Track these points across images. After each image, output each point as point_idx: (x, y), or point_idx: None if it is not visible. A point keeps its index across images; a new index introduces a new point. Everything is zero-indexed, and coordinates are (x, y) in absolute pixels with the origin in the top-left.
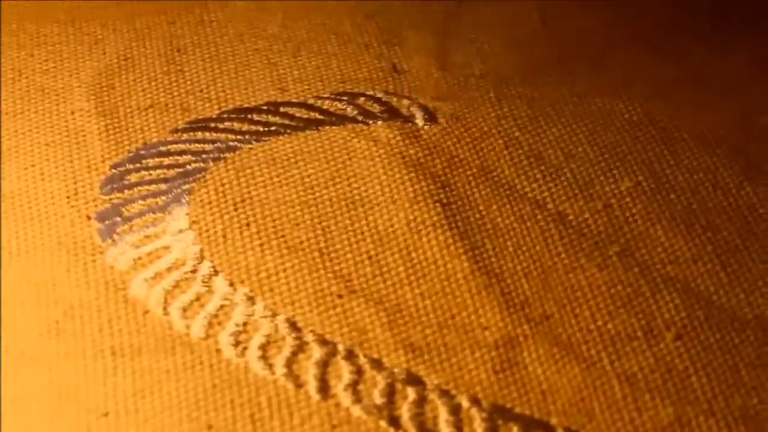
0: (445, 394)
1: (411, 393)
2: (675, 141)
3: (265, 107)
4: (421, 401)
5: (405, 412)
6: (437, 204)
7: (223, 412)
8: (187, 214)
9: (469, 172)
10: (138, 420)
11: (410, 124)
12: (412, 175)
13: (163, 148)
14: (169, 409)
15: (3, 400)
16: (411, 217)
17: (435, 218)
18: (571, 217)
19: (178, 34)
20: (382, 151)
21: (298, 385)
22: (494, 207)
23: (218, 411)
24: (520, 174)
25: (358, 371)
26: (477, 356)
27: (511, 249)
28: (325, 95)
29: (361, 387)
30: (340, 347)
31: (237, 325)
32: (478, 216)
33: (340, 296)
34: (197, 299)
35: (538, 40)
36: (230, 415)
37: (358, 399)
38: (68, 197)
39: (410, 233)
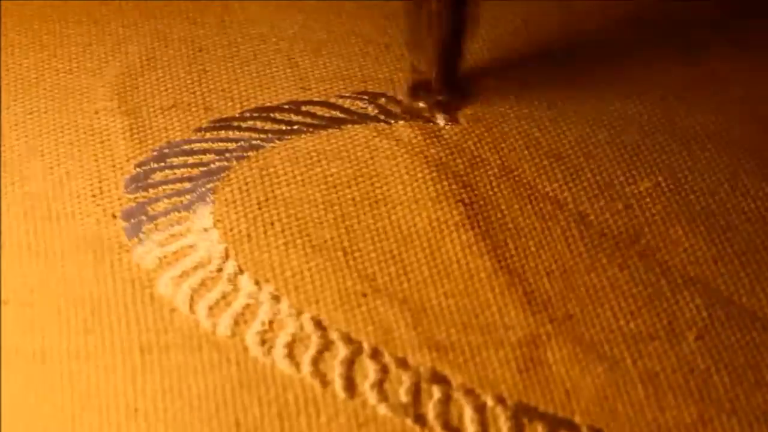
0: (470, 392)
1: (436, 392)
2: (693, 142)
3: (287, 106)
4: (446, 400)
5: (431, 410)
6: (459, 203)
7: (251, 410)
8: (212, 212)
9: (490, 172)
10: (167, 417)
11: (431, 124)
12: (434, 174)
13: (186, 147)
14: (198, 406)
15: (31, 399)
16: (434, 217)
17: (457, 218)
18: (591, 217)
19: (199, 34)
20: (404, 150)
21: (325, 384)
22: (516, 206)
23: (246, 409)
24: (541, 174)
25: (384, 370)
26: (501, 355)
27: (533, 248)
28: (346, 95)
29: (386, 386)
30: (366, 346)
31: (263, 323)
32: (499, 215)
33: (364, 295)
34: (223, 298)
35: (556, 42)
36: (258, 412)
37: (384, 398)
38: (93, 196)
39: (433, 232)
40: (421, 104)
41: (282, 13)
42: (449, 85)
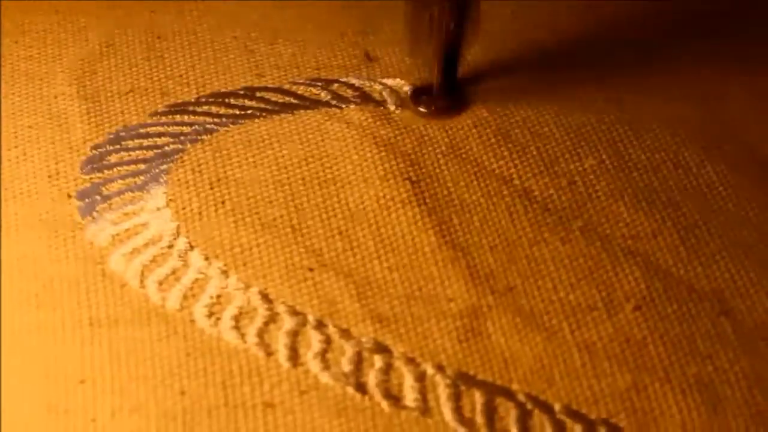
0: (410, 361)
1: (378, 361)
2: (638, 123)
3: (241, 92)
4: (387, 368)
5: (372, 378)
6: (407, 181)
7: (196, 379)
8: (165, 192)
9: (438, 150)
10: (114, 387)
11: (382, 107)
12: (383, 154)
13: (142, 131)
14: (144, 376)
15: None
16: (381, 194)
17: (404, 195)
18: (536, 193)
19: (158, 22)
20: (354, 132)
21: (269, 354)
22: (462, 183)
23: (191, 378)
24: (488, 151)
25: (327, 340)
26: (442, 326)
27: (477, 223)
28: (300, 81)
29: (329, 355)
30: (311, 318)
31: (211, 297)
32: (446, 192)
33: (311, 269)
34: (173, 273)
35: (510, 31)
36: (203, 381)
37: (326, 366)
38: (50, 177)
39: (380, 209)
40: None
41: (239, 2)
42: (449, 89)
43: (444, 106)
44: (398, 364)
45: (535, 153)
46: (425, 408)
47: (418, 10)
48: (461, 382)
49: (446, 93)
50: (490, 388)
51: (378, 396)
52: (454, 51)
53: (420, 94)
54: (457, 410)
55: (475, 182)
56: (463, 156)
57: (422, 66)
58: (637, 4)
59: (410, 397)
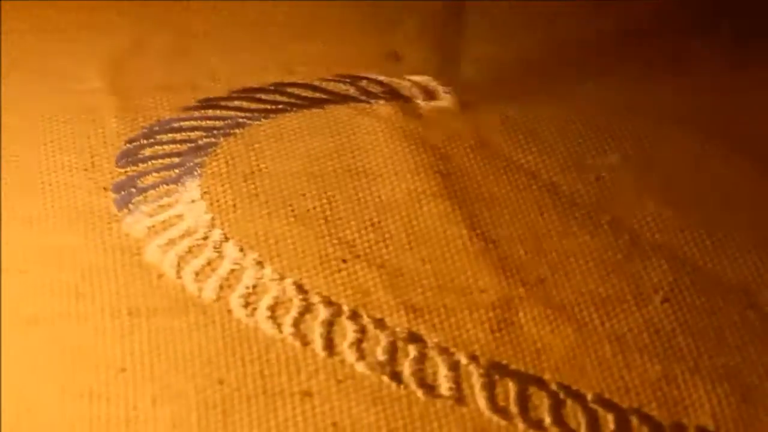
0: (444, 351)
1: (412, 350)
2: (662, 122)
3: (272, 87)
4: (421, 358)
5: (406, 368)
6: (437, 174)
7: (234, 369)
8: (199, 185)
9: (467, 144)
10: (153, 375)
11: (411, 103)
12: (413, 147)
13: (175, 125)
14: (183, 365)
15: (26, 359)
16: (412, 187)
17: (435, 188)
18: (564, 188)
19: (189, 19)
20: (384, 125)
21: (305, 343)
22: (491, 177)
23: (229, 367)
24: (516, 147)
25: (362, 330)
26: (475, 317)
27: (507, 217)
28: (329, 77)
29: (364, 345)
30: (345, 308)
31: (247, 287)
32: (475, 186)
33: (344, 261)
34: (209, 264)
35: (534, 31)
36: (241, 371)
37: (362, 356)
38: (85, 170)
39: (411, 202)
40: (402, 84)
41: (269, 2)
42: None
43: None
44: (432, 353)
45: (562, 149)
46: (460, 397)
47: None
48: (494, 371)
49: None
50: (523, 377)
51: (413, 385)
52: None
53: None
54: (491, 399)
55: (503, 176)
56: (492, 151)
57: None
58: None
59: (445, 386)
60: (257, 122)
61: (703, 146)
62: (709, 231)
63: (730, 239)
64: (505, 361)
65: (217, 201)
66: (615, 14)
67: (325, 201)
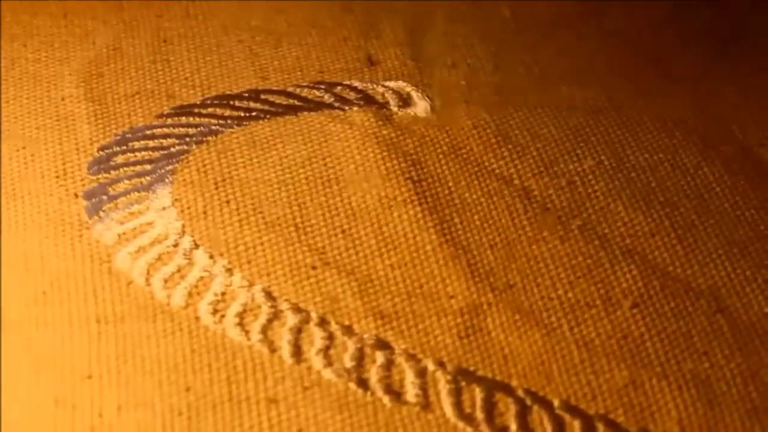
0: (411, 357)
1: (379, 357)
2: (636, 124)
3: (246, 94)
4: (389, 365)
5: (373, 374)
6: (408, 181)
7: (201, 375)
8: (170, 192)
9: (439, 150)
10: (120, 382)
11: (385, 109)
12: (385, 154)
13: (148, 132)
14: (150, 372)
15: None
16: (383, 194)
17: (406, 194)
18: (536, 193)
19: (165, 26)
20: (356, 132)
21: (273, 350)
22: (463, 183)
23: (196, 374)
24: (488, 152)
25: (330, 337)
26: (443, 323)
27: (477, 222)
28: (304, 84)
29: (332, 352)
30: (313, 315)
31: (216, 294)
32: (447, 192)
33: (314, 267)
34: (178, 271)
35: (508, 32)
36: (207, 377)
37: (329, 363)
38: (57, 176)
39: (382, 208)
40: (377, 90)
41: (244, 6)
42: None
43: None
44: (399, 360)
45: (534, 154)
46: (426, 403)
47: None
48: (461, 377)
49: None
50: (489, 383)
51: (379, 391)
52: None
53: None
54: (458, 405)
55: (475, 182)
56: (464, 156)
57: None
58: (634, 6)
59: (411, 392)
60: (230, 130)
61: (677, 151)
62: (680, 236)
63: (701, 245)
64: (472, 368)
65: (188, 208)
66: (595, 16)
67: (296, 208)
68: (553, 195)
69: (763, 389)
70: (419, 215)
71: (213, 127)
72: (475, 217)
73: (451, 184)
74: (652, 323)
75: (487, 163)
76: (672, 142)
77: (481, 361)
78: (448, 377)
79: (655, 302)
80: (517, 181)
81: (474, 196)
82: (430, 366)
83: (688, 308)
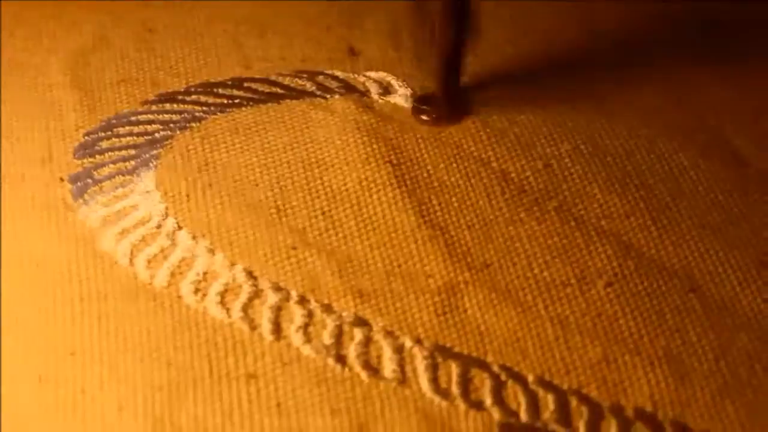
0: (389, 335)
1: (358, 334)
2: (614, 114)
3: (230, 82)
4: (367, 341)
5: (352, 351)
6: (388, 164)
7: (182, 352)
8: (154, 176)
9: (418, 135)
10: (102, 359)
11: (365, 97)
12: (365, 138)
13: (133, 118)
14: (132, 348)
15: None
16: (363, 177)
17: (385, 177)
18: (513, 175)
19: (150, 16)
20: (338, 119)
21: (253, 328)
22: (441, 166)
23: (177, 350)
24: (467, 136)
25: (309, 315)
26: (421, 301)
27: (455, 204)
28: (286, 73)
29: (311, 329)
30: (293, 293)
31: (197, 274)
32: (425, 174)
33: (294, 248)
34: (161, 252)
35: (489, 23)
36: (188, 354)
37: (308, 339)
38: (42, 161)
39: (362, 191)
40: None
41: None
42: (451, 98)
43: (446, 114)
44: (377, 337)
45: (512, 137)
46: (403, 378)
47: (419, 19)
48: (438, 354)
49: (448, 101)
50: (465, 359)
51: (357, 367)
52: (455, 59)
53: (422, 103)
54: (434, 381)
55: (453, 165)
56: (443, 141)
57: (424, 75)
58: (622, 6)
59: (389, 368)
60: (213, 116)
61: (654, 138)
62: (654, 218)
63: (675, 226)
64: (449, 344)
65: (171, 191)
66: (584, 15)
67: (277, 191)
68: (530, 177)
69: (734, 366)
70: (398, 197)
71: (197, 114)
72: (453, 198)
73: (429, 167)
74: (626, 301)
75: (465, 146)
76: (650, 132)
77: (458, 338)
78: (425, 353)
79: (629, 281)
80: (494, 164)
81: (452, 179)
82: (408, 343)
83: (662, 287)
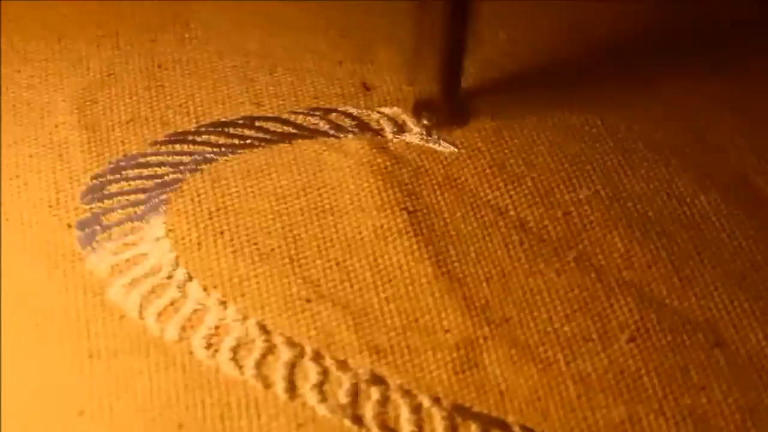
0: (407, 393)
1: (374, 393)
2: (632, 152)
3: (241, 121)
4: (384, 401)
5: (368, 411)
6: (403, 211)
7: (194, 412)
8: (164, 222)
9: (434, 181)
10: (112, 419)
11: (380, 136)
12: (380, 183)
13: (142, 160)
14: (143, 408)
15: None
16: (378, 225)
17: (401, 225)
18: (531, 224)
19: (159, 51)
20: (351, 161)
21: (267, 386)
22: (458, 214)
23: (189, 410)
24: (483, 182)
25: (325, 372)
26: (438, 357)
27: (473, 254)
28: (299, 110)
29: (326, 387)
30: (308, 349)
31: (209, 328)
32: (442, 223)
33: (308, 300)
34: (172, 304)
35: (503, 58)
36: (201, 414)
37: (323, 398)
38: (50, 206)
39: (377, 240)
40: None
41: (240, 31)
42: (451, 102)
43: (446, 119)
44: (395, 396)
45: (530, 184)
46: None
47: (421, 22)
48: (457, 414)
49: (448, 105)
50: (485, 419)
51: (374, 428)
52: (455, 63)
53: (422, 108)
54: None
55: (471, 213)
56: (459, 187)
57: (424, 79)
58: (627, 29)
59: (406, 429)
60: (225, 158)
61: (673, 179)
62: (676, 268)
63: (698, 276)
64: (467, 403)
65: (182, 239)
66: (580, 37)
67: (290, 240)
68: (549, 226)
69: (761, 425)
70: (414, 247)
71: (207, 155)
72: (471, 248)
73: (446, 215)
74: (650, 357)
75: (482, 194)
76: (668, 171)
77: (477, 396)
78: (444, 413)
79: (653, 336)
80: (512, 212)
81: (469, 228)
82: (426, 402)
83: (686, 342)
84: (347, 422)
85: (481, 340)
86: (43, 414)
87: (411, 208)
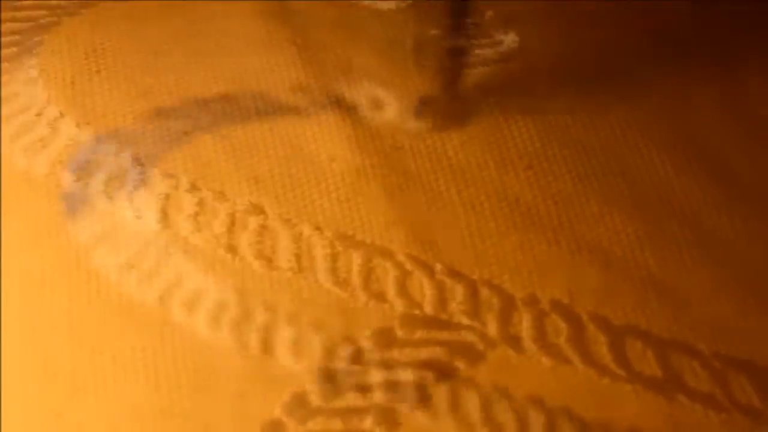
0: (287, 223)
1: (252, 222)
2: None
3: None
4: (261, 230)
5: (243, 240)
6: (293, 46)
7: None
8: (37, 63)
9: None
10: None
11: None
12: (269, 21)
13: (17, 3)
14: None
15: None
16: (264, 59)
17: (289, 58)
18: None
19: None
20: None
21: (138, 216)
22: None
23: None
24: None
25: (200, 203)
26: (322, 187)
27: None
28: None
29: (201, 218)
30: (183, 180)
31: (79, 162)
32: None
33: (186, 133)
34: (41, 140)
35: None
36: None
37: (197, 228)
38: None
39: (264, 74)
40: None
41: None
42: (451, 100)
43: (446, 118)
44: (273, 225)
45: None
46: (299, 268)
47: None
48: (339, 242)
49: (449, 104)
50: (368, 248)
51: (249, 257)
52: (455, 63)
53: (423, 107)
54: (332, 271)
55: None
56: None
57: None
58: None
59: (284, 257)
60: (104, 2)
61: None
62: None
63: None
64: (350, 232)
65: (54, 78)
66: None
67: (171, 78)
68: None
69: (659, 253)
70: (302, 78)
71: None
72: None
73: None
74: (547, 185)
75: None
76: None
77: (361, 226)
78: (325, 242)
79: (553, 164)
80: None
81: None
82: (306, 230)
83: (587, 170)
84: (221, 251)
85: (369, 170)
86: None
87: (300, 42)
